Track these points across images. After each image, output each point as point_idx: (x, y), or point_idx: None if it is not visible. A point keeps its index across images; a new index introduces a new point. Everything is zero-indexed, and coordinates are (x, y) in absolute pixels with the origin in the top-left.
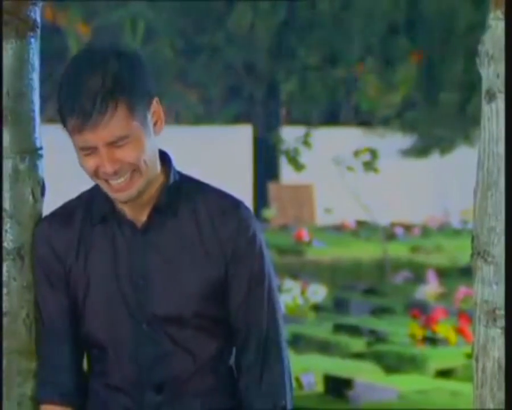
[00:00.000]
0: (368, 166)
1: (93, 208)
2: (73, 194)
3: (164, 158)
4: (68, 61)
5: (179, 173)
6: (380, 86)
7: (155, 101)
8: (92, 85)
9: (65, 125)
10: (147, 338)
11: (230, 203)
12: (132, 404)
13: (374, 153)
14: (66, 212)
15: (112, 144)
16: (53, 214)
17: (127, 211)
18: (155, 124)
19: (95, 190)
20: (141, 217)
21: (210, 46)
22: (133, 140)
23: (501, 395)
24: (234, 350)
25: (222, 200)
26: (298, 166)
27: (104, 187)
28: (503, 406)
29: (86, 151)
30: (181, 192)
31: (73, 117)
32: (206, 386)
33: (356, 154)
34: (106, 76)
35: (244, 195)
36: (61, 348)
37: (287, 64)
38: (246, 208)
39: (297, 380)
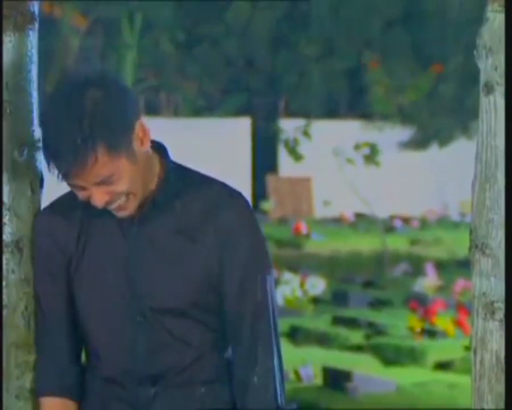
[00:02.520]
0: (369, 160)
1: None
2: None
3: (161, 149)
4: (47, 98)
5: (176, 164)
6: (390, 87)
7: (139, 122)
8: (69, 133)
9: (49, 169)
10: (142, 330)
11: (227, 193)
12: (128, 396)
13: (373, 148)
14: (65, 203)
15: (100, 183)
16: (53, 205)
17: None
18: (141, 144)
19: None
20: (137, 210)
21: (209, 39)
22: (121, 174)
23: (499, 387)
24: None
25: (219, 190)
26: (297, 156)
27: None
28: (501, 399)
29: (75, 188)
30: (178, 183)
31: (56, 166)
32: (202, 378)
33: (356, 147)
34: (82, 122)
35: (243, 187)
36: (60, 340)
37: (286, 56)
38: (244, 198)
39: (296, 372)
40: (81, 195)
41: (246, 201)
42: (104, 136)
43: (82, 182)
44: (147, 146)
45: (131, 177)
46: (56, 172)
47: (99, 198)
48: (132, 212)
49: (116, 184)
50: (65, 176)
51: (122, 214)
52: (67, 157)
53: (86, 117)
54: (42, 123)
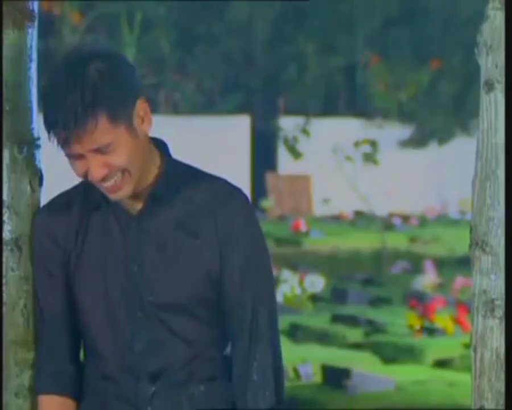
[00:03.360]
0: (369, 158)
1: (89, 196)
2: (71, 184)
3: (161, 145)
4: (50, 70)
5: (176, 160)
6: (389, 83)
7: (141, 100)
8: (71, 100)
9: (49, 137)
10: (142, 326)
11: (227, 189)
12: (127, 394)
13: (374, 145)
14: (64, 201)
15: (99, 150)
16: (52, 203)
17: (123, 199)
18: (142, 122)
19: None
20: (136, 205)
21: (208, 36)
22: (120, 144)
23: (499, 385)
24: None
25: (219, 185)
26: (296, 154)
27: (97, 186)
28: (501, 396)
29: (73, 157)
30: (177, 180)
31: (55, 132)
32: (201, 375)
33: (356, 145)
34: (84, 90)
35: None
36: (59, 339)
37: (285, 54)
38: (244, 194)
39: (295, 370)
40: (79, 167)
41: (246, 197)
42: (106, 104)
43: (80, 149)
44: (147, 126)
45: (129, 151)
46: (56, 140)
47: (96, 170)
48: (126, 194)
49: (114, 154)
50: (65, 142)
51: (116, 196)
52: (68, 123)
53: (89, 85)
54: (44, 93)
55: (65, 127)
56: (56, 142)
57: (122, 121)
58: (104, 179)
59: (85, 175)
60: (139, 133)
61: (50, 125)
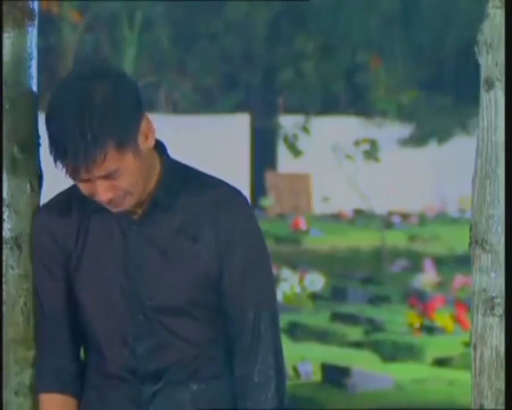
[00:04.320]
0: (369, 156)
1: (89, 198)
2: (71, 183)
3: (159, 147)
4: (53, 93)
5: (175, 162)
6: (390, 85)
7: (144, 118)
8: (79, 132)
9: (57, 166)
10: (144, 328)
11: (227, 192)
12: (128, 393)
13: (373, 144)
14: (64, 200)
15: (106, 177)
16: (51, 202)
17: None
18: (146, 139)
19: None
20: (137, 209)
21: (207, 35)
22: (127, 169)
23: (499, 383)
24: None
25: (219, 188)
26: (296, 152)
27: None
28: (500, 394)
29: (81, 181)
30: (177, 183)
31: (64, 163)
32: (202, 376)
33: (356, 143)
34: (92, 120)
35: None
36: (60, 337)
37: (283, 52)
38: (243, 196)
39: (295, 368)
40: (85, 189)
41: (245, 200)
42: (114, 132)
43: (88, 176)
44: (151, 142)
45: (133, 174)
46: (64, 169)
47: (103, 194)
48: (127, 208)
49: (120, 179)
50: (74, 172)
51: (116, 210)
52: (77, 156)
53: (96, 116)
54: (49, 119)
55: (74, 159)
56: (63, 171)
57: (129, 147)
58: (111, 200)
59: (92, 195)
60: (144, 152)
61: (58, 156)
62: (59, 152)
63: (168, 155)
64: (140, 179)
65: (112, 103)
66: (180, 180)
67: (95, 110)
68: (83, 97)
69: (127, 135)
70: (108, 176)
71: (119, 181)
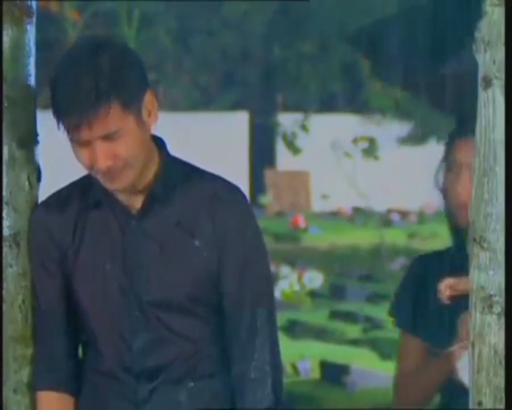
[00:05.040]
0: (368, 154)
1: (88, 193)
2: (69, 181)
3: (158, 143)
4: (59, 59)
5: (174, 158)
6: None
7: (149, 93)
8: (86, 86)
9: (59, 123)
10: (140, 324)
11: (226, 188)
12: (125, 391)
13: (372, 142)
14: (62, 198)
15: (107, 137)
16: (49, 200)
17: (122, 197)
18: (149, 115)
19: (91, 176)
20: (135, 204)
21: (206, 32)
22: (128, 133)
23: (497, 381)
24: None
25: (217, 185)
26: (295, 150)
27: (98, 177)
28: (499, 392)
29: (81, 144)
30: (176, 178)
31: (67, 117)
32: (199, 373)
33: (355, 141)
34: (99, 76)
35: (241, 181)
36: (58, 335)
37: (282, 50)
38: (242, 192)
39: (294, 366)
40: (85, 156)
41: (244, 196)
42: (119, 92)
43: (89, 135)
44: (153, 120)
45: (135, 142)
46: (66, 124)
47: (103, 160)
48: (124, 185)
49: (121, 143)
50: (76, 126)
51: (114, 185)
52: (82, 106)
53: (102, 73)
54: (55, 80)
55: (78, 110)
56: (65, 128)
57: (132, 110)
58: (109, 169)
59: (91, 164)
60: (146, 126)
61: (62, 112)
62: (63, 108)
63: (167, 151)
64: (140, 154)
65: (119, 66)
66: (178, 176)
67: (101, 71)
68: (90, 61)
69: (132, 97)
70: (109, 137)
71: (119, 147)
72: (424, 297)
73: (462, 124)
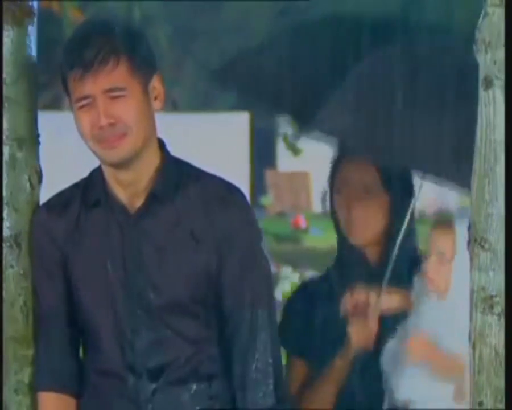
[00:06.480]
0: None
1: (88, 193)
2: (70, 181)
3: (159, 143)
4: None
5: (174, 158)
6: None
7: (157, 76)
8: (97, 41)
9: (65, 78)
10: (142, 324)
11: (225, 189)
12: (128, 390)
13: None
14: (63, 200)
15: (110, 93)
16: (50, 201)
17: (122, 196)
18: (155, 98)
19: (91, 176)
20: (135, 203)
21: (206, 33)
22: (132, 97)
23: (498, 382)
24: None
25: (218, 185)
26: (296, 151)
27: (97, 150)
28: (499, 393)
29: (83, 101)
30: (176, 178)
31: (74, 66)
32: (201, 373)
33: None
34: (112, 36)
35: (241, 182)
36: (59, 336)
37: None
38: (242, 193)
39: None
40: (86, 119)
41: (244, 197)
42: (129, 51)
43: (93, 88)
44: (159, 105)
45: (137, 110)
46: (72, 76)
47: (104, 116)
48: (123, 155)
49: (123, 105)
50: (81, 78)
51: (112, 155)
52: (90, 56)
53: (116, 36)
54: (68, 40)
55: (86, 61)
56: (70, 83)
57: (140, 77)
58: (111, 126)
59: (91, 127)
60: (152, 106)
61: (69, 63)
62: (72, 59)
63: (167, 151)
64: (142, 123)
65: (131, 39)
66: (178, 175)
67: (114, 34)
68: (104, 28)
69: (141, 64)
70: (113, 91)
71: (122, 106)
72: (305, 320)
73: (342, 148)
